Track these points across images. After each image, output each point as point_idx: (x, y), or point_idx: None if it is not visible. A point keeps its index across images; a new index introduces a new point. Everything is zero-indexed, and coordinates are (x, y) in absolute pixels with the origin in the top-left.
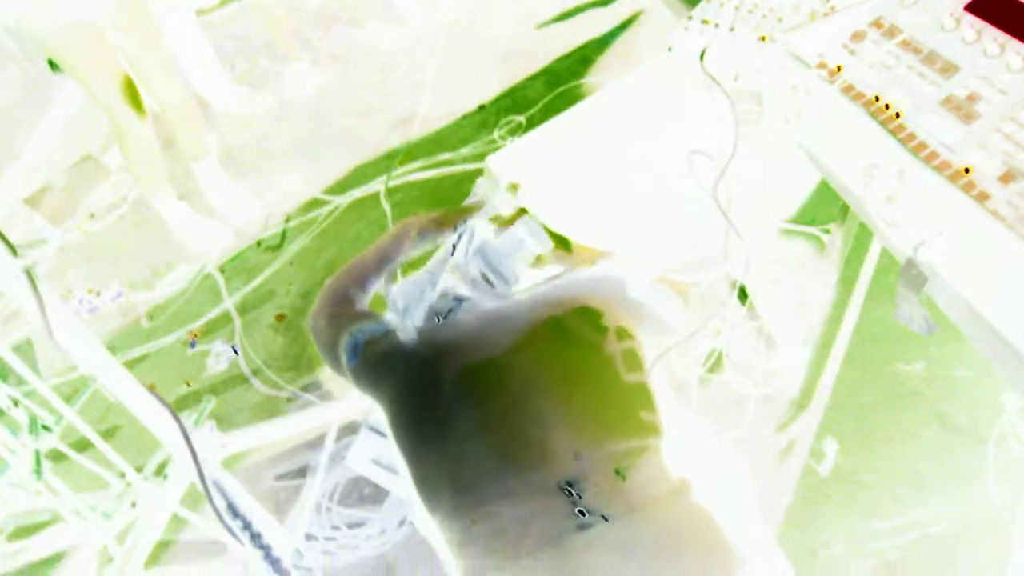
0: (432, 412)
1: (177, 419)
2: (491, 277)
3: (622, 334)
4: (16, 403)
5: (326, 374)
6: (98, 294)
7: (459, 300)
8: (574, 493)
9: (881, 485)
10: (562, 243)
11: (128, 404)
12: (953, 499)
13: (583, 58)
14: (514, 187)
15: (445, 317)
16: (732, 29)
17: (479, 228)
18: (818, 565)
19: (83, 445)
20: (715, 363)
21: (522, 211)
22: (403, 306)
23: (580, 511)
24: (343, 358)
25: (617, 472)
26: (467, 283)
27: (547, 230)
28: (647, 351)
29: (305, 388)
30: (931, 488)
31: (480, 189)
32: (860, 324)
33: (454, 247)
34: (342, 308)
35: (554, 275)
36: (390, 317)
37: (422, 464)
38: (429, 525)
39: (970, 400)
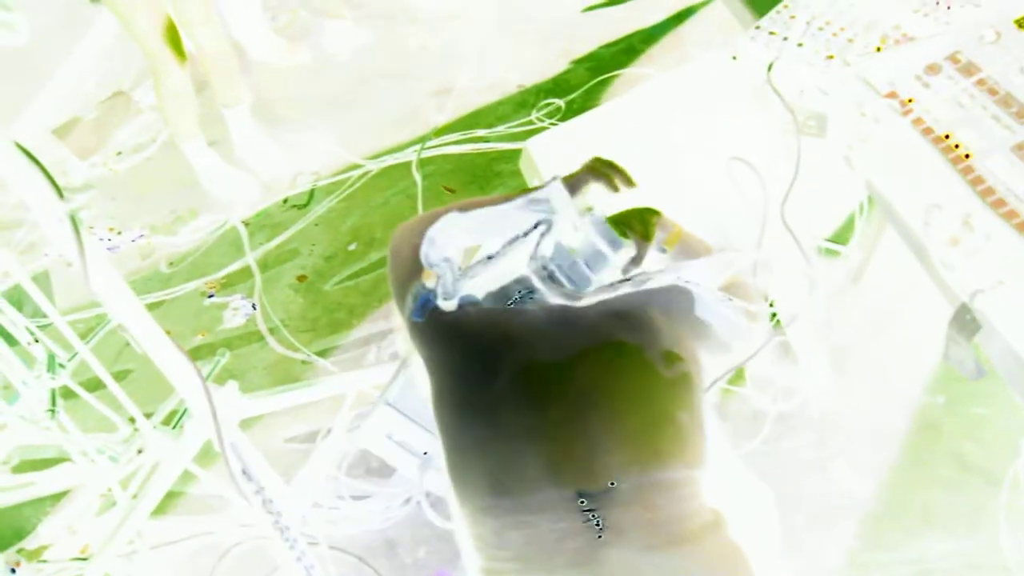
0: (484, 400)
1: (202, 379)
2: (562, 280)
3: (675, 359)
4: (35, 339)
5: (343, 339)
6: (119, 233)
7: (531, 291)
8: (596, 517)
9: (890, 515)
10: (651, 213)
11: (154, 357)
12: (961, 538)
13: (629, 47)
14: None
15: (514, 302)
16: (800, 44)
17: (558, 224)
18: None
19: (93, 385)
20: (736, 375)
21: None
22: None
23: (600, 535)
24: (410, 304)
25: (656, 502)
26: (538, 278)
27: (632, 212)
28: (704, 376)
29: (321, 353)
30: (939, 524)
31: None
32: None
33: (526, 232)
34: None
35: (629, 278)
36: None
37: (462, 451)
38: (440, 512)
39: (987, 440)
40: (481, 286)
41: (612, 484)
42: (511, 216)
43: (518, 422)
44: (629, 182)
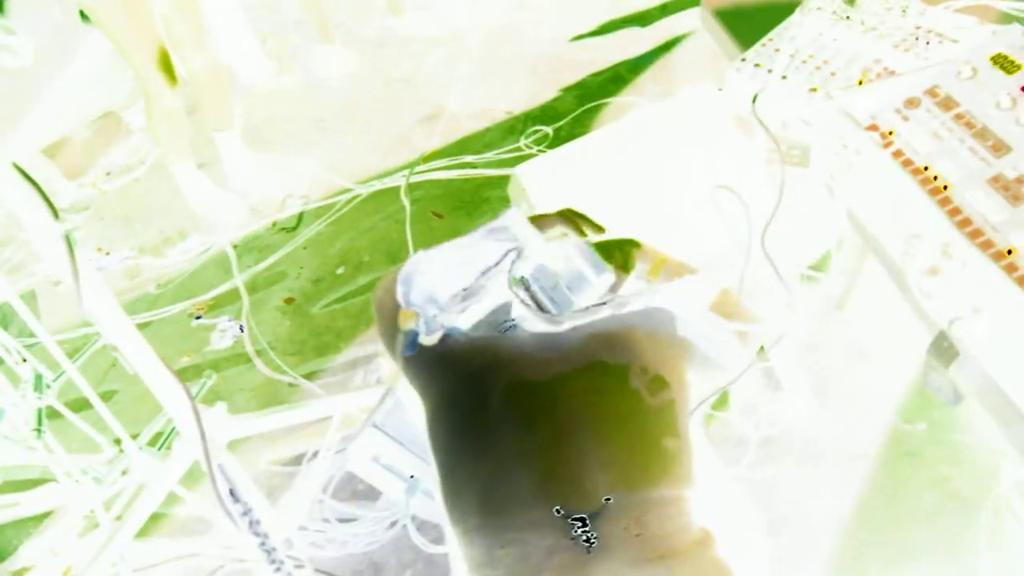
0: (476, 423)
1: (192, 400)
2: (545, 301)
3: (661, 384)
4: (23, 359)
5: (330, 362)
6: (107, 254)
7: (516, 319)
8: (586, 534)
9: (872, 539)
10: (631, 244)
11: (144, 377)
12: (941, 563)
13: (616, 76)
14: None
15: (504, 330)
16: (784, 77)
17: (534, 248)
18: None
19: (77, 406)
20: (720, 400)
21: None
22: (441, 307)
23: (589, 551)
24: (400, 342)
25: (643, 519)
26: (520, 300)
27: (612, 242)
28: (691, 397)
29: (308, 376)
30: (921, 549)
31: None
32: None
33: (498, 262)
34: None
35: (605, 301)
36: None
37: (455, 472)
38: (426, 536)
39: (968, 466)
40: (467, 318)
41: (606, 500)
42: (477, 247)
43: (509, 443)
44: (598, 229)
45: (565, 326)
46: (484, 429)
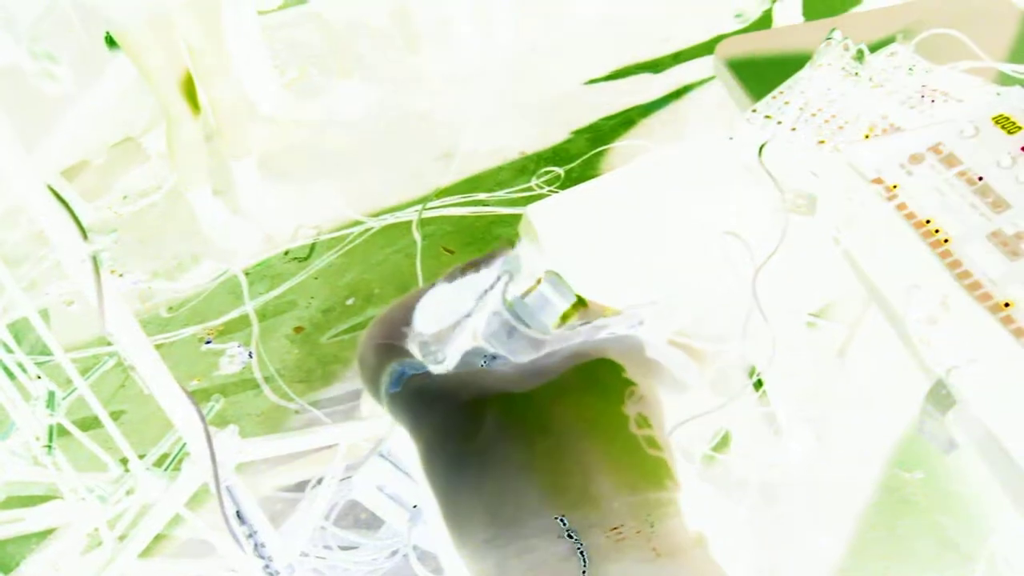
0: (473, 447)
1: (204, 422)
2: (521, 329)
3: (637, 392)
4: (38, 376)
5: (337, 391)
6: (120, 276)
7: (492, 357)
8: (595, 536)
9: None
10: (580, 300)
11: (159, 397)
12: None
13: (628, 120)
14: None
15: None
16: (793, 129)
17: (521, 275)
18: None
19: (84, 425)
20: (721, 442)
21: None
22: (435, 346)
23: (581, 552)
24: (384, 383)
25: (648, 519)
26: (501, 333)
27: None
28: (666, 415)
29: (315, 404)
30: None
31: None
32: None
33: (486, 290)
34: (392, 342)
35: (579, 324)
36: (417, 350)
37: (457, 497)
38: (427, 566)
39: (964, 515)
40: (459, 346)
41: (607, 504)
42: (484, 276)
43: (510, 459)
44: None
45: (543, 351)
46: (483, 451)
